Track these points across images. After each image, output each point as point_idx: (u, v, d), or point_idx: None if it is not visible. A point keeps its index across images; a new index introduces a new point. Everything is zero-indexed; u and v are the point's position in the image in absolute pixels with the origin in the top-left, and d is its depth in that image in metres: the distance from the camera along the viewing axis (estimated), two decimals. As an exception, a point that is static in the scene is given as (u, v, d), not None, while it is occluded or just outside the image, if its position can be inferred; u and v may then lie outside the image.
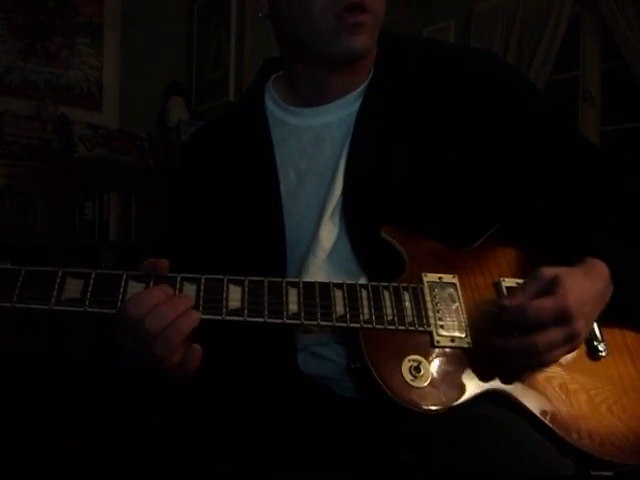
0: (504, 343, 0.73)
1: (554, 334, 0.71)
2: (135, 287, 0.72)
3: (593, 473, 0.75)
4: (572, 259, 0.78)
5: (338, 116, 0.90)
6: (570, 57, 2.90)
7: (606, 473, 0.75)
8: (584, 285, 0.73)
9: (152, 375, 0.73)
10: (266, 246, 0.88)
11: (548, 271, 0.74)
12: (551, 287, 0.72)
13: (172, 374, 0.72)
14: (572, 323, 0.70)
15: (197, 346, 0.70)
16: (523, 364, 0.75)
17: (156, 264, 0.72)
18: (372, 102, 0.89)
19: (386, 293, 0.77)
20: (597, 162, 0.89)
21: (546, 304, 0.71)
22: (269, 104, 0.96)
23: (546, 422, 0.74)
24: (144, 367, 0.72)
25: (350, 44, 0.85)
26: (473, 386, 0.74)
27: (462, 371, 0.75)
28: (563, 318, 0.70)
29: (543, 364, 0.74)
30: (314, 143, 0.90)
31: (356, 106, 0.89)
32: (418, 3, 3.42)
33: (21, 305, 0.69)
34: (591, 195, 0.86)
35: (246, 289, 0.73)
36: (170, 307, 0.69)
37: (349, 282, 0.77)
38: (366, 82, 0.90)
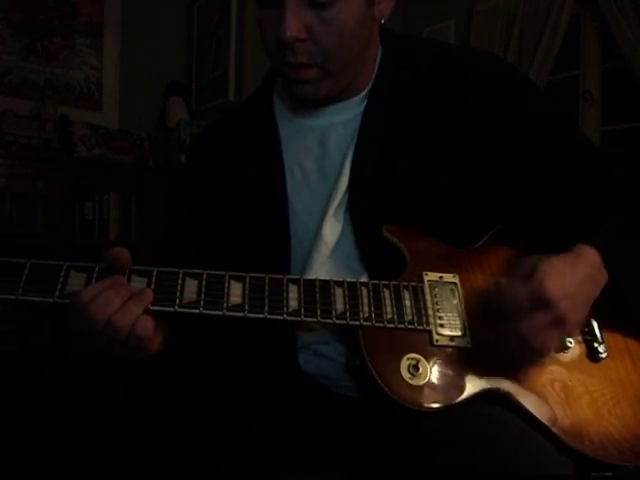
0: (492, 331, 0.72)
1: (536, 317, 0.69)
2: (138, 281, 0.73)
3: (593, 474, 0.75)
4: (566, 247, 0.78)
5: (344, 117, 0.91)
6: (570, 57, 2.90)
7: (606, 474, 0.75)
8: (563, 268, 0.72)
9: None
10: (270, 243, 0.89)
11: (528, 259, 0.74)
12: (530, 274, 0.72)
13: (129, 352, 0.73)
14: (553, 305, 0.69)
15: (146, 316, 0.71)
16: (517, 353, 0.73)
17: (116, 258, 0.73)
18: (377, 104, 0.89)
19: (386, 291, 0.77)
20: (597, 163, 0.89)
21: (520, 288, 0.70)
22: (277, 101, 0.97)
23: (544, 422, 0.74)
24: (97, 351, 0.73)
25: (298, 93, 0.87)
26: (471, 385, 0.74)
27: (461, 370, 0.75)
28: (540, 302, 0.69)
29: (536, 350, 0.72)
30: (319, 142, 0.91)
31: (362, 107, 0.90)
32: (418, 3, 3.42)
33: (25, 298, 0.69)
34: (590, 195, 0.86)
35: (247, 285, 0.74)
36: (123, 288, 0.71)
37: (350, 280, 0.77)
38: (371, 83, 0.91)
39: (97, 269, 0.72)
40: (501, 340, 0.72)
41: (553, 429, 0.74)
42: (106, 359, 0.74)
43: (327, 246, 0.86)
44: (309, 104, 0.91)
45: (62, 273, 0.71)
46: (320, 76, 0.83)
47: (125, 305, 0.70)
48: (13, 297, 0.69)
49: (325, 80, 0.84)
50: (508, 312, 0.70)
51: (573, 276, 0.73)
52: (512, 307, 0.70)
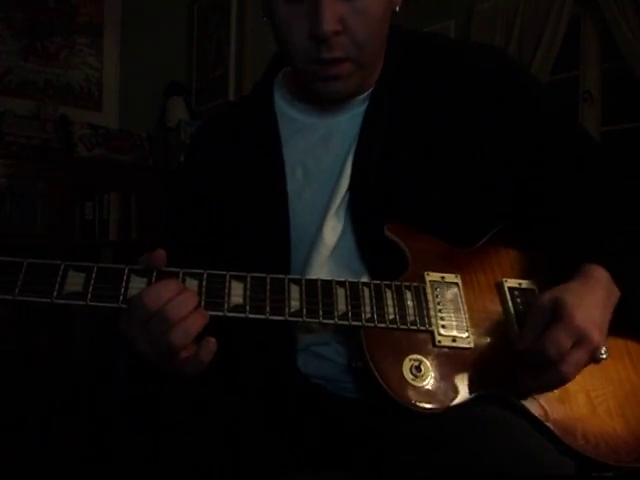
0: (537, 384, 0.72)
1: (579, 356, 0.70)
2: (138, 281, 0.71)
3: (593, 474, 0.75)
4: (572, 261, 0.78)
5: (347, 115, 0.90)
6: (570, 57, 2.89)
7: (607, 474, 0.75)
8: (586, 297, 0.72)
9: (161, 369, 0.72)
10: (270, 243, 0.88)
11: (547, 297, 0.73)
12: (555, 312, 0.71)
13: (184, 367, 0.70)
14: (589, 339, 0.69)
15: (212, 339, 0.69)
16: (552, 387, 0.74)
17: (152, 257, 0.71)
18: (380, 102, 0.88)
19: (388, 292, 0.77)
20: (598, 159, 0.89)
21: (560, 334, 0.69)
22: (277, 99, 0.96)
23: (545, 423, 0.74)
24: (155, 361, 0.70)
25: (326, 90, 0.85)
26: (473, 386, 0.74)
27: (463, 371, 0.75)
28: (580, 338, 0.69)
29: (570, 380, 0.72)
30: (322, 141, 0.90)
31: (364, 105, 0.89)
32: (418, 3, 3.42)
33: (22, 298, 0.68)
34: (592, 195, 0.86)
35: (248, 285, 0.73)
36: (189, 296, 0.69)
37: (352, 280, 0.77)
38: (376, 81, 0.90)
39: (95, 269, 0.71)
40: (541, 383, 0.72)
41: (552, 428, 0.73)
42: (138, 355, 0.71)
43: (327, 246, 0.85)
44: (331, 102, 0.89)
45: (60, 272, 0.69)
46: (352, 70, 0.82)
47: (178, 297, 0.68)
48: (10, 297, 0.67)
49: (355, 74, 0.83)
50: (553, 359, 0.69)
51: (596, 303, 0.73)
52: (559, 356, 0.69)
